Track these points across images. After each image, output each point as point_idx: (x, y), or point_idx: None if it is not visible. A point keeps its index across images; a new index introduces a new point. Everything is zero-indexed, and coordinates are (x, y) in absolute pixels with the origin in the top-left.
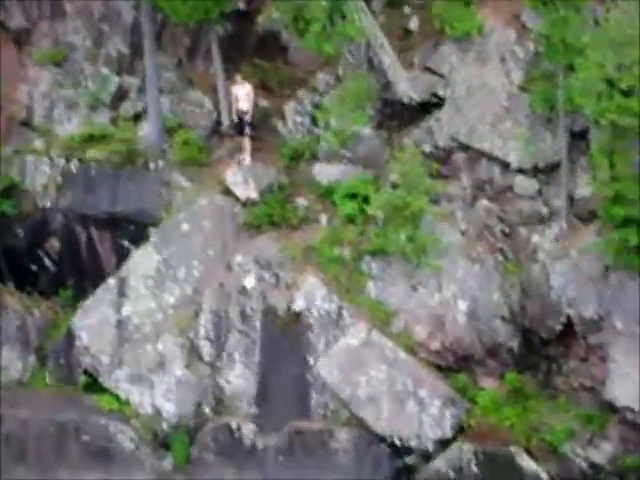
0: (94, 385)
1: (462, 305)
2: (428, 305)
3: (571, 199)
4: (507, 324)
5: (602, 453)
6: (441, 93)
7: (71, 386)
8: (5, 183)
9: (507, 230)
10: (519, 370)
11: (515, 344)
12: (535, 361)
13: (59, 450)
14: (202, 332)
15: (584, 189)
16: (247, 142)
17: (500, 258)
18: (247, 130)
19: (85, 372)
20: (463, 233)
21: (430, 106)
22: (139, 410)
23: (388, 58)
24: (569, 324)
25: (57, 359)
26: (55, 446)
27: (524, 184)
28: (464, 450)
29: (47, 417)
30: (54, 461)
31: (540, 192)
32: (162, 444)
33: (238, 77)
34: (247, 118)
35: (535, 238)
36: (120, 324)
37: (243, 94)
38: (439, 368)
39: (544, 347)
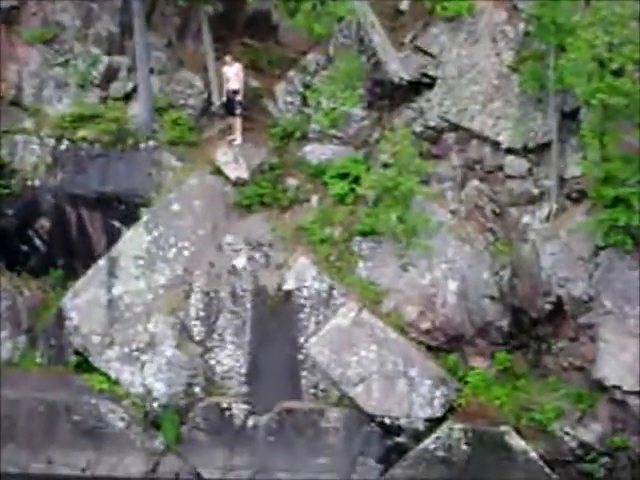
0: (85, 365)
1: (452, 285)
2: (418, 285)
3: (561, 179)
4: (497, 304)
5: (591, 432)
6: (432, 73)
7: (61, 366)
8: None
9: (497, 210)
10: (509, 350)
11: (505, 324)
12: (525, 341)
13: (50, 430)
14: (193, 312)
15: (574, 169)
16: (238, 122)
17: (490, 238)
18: (237, 110)
19: (76, 352)
20: (453, 213)
21: (421, 86)
22: (130, 390)
23: (379, 38)
24: (559, 304)
25: (47, 339)
26: (46, 426)
27: (514, 164)
28: (454, 429)
29: (37, 397)
30: (45, 440)
31: (530, 172)
32: (153, 424)
33: (228, 57)
34: (237, 98)
35: (525, 218)
36: (111, 304)
37: (233, 74)
38: (429, 348)
39: (534, 327)
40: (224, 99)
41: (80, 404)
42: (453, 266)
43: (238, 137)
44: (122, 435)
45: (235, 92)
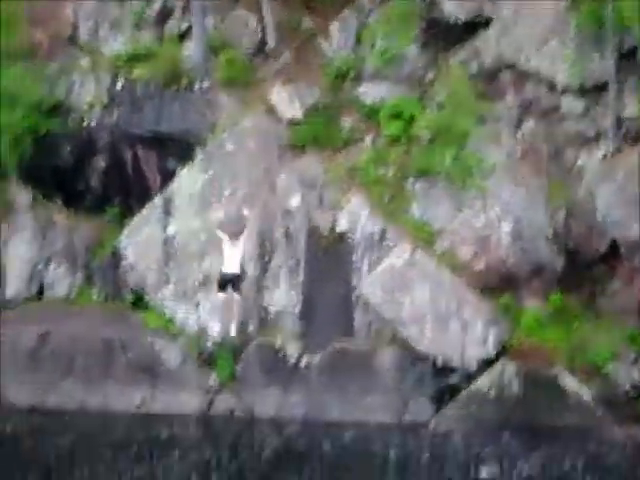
0: (140, 303)
1: (506, 226)
2: (472, 226)
3: (618, 120)
4: (551, 245)
5: None
6: (488, 13)
7: (118, 303)
8: (51, 101)
9: (553, 151)
10: (563, 291)
11: (559, 265)
12: (579, 282)
13: (106, 366)
14: (247, 251)
15: (632, 109)
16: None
17: (545, 179)
18: None
19: (131, 290)
20: (509, 154)
21: (476, 26)
22: (184, 328)
23: None
24: (614, 245)
25: (104, 277)
26: (102, 362)
27: (571, 104)
28: (507, 370)
29: (94, 334)
30: (101, 377)
31: (587, 112)
32: (207, 362)
33: None
34: None
35: (581, 159)
36: (166, 243)
37: None
38: (483, 289)
39: (588, 268)
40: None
41: (136, 341)
42: (507, 207)
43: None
44: (177, 373)
45: None
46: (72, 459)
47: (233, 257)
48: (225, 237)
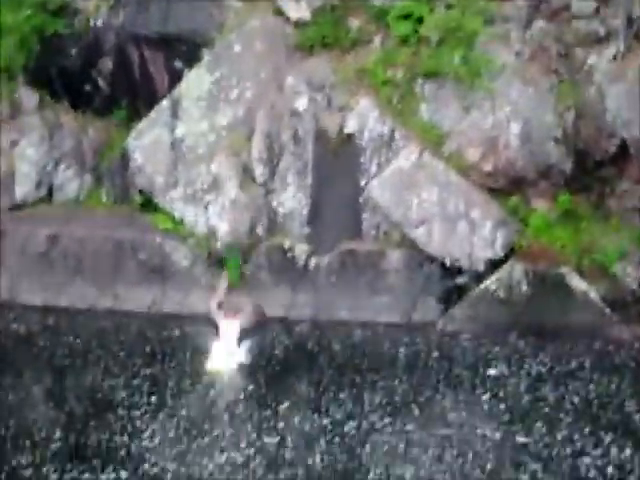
0: (149, 205)
1: (515, 127)
2: (481, 127)
3: (629, 19)
4: (560, 146)
5: None
6: None
7: (126, 205)
8: (57, 2)
9: (563, 51)
10: (572, 192)
11: (568, 166)
12: (588, 182)
13: (116, 267)
14: (255, 154)
15: None
16: None
17: (555, 79)
18: None
19: (140, 192)
20: (518, 54)
21: None
22: (194, 229)
23: None
24: (623, 145)
25: (112, 179)
26: (112, 263)
27: (581, 4)
28: (515, 270)
29: (104, 235)
30: (111, 278)
31: (597, 12)
32: (217, 263)
33: None
34: None
35: (591, 59)
36: (174, 145)
37: None
38: (491, 190)
39: (597, 169)
40: None
41: (145, 243)
42: (516, 108)
43: None
44: (187, 273)
45: None
46: (85, 358)
47: None
48: None
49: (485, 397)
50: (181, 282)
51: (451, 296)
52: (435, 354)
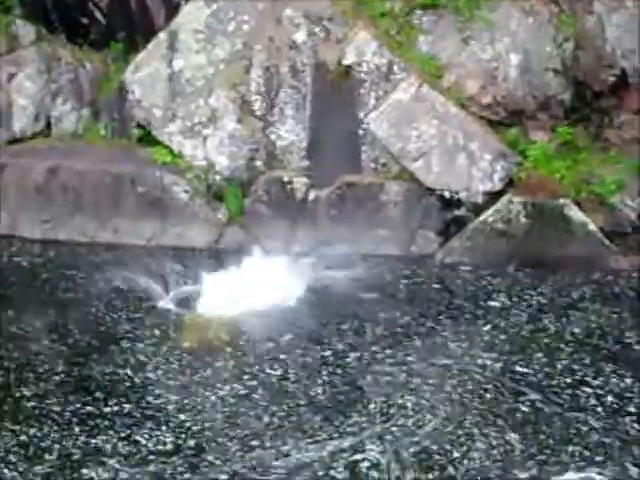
0: (147, 138)
1: (514, 58)
2: (480, 59)
3: None
4: (560, 77)
5: None
6: None
7: (125, 139)
8: None
9: None
10: (571, 123)
11: (567, 97)
12: (587, 114)
13: (115, 200)
14: (253, 87)
15: None
16: None
17: (554, 9)
18: None
19: (138, 125)
20: None
21: None
22: (192, 163)
23: None
24: (623, 76)
25: (110, 112)
26: (111, 197)
27: None
28: (514, 202)
29: (103, 168)
30: (111, 211)
31: None
32: (216, 196)
33: None
34: None
35: None
36: (172, 78)
37: None
38: (490, 122)
39: (597, 100)
40: None
41: (144, 176)
42: (515, 39)
43: None
44: (186, 207)
45: None
46: (88, 291)
47: None
48: None
49: (486, 328)
50: (180, 216)
51: (449, 228)
52: (435, 286)
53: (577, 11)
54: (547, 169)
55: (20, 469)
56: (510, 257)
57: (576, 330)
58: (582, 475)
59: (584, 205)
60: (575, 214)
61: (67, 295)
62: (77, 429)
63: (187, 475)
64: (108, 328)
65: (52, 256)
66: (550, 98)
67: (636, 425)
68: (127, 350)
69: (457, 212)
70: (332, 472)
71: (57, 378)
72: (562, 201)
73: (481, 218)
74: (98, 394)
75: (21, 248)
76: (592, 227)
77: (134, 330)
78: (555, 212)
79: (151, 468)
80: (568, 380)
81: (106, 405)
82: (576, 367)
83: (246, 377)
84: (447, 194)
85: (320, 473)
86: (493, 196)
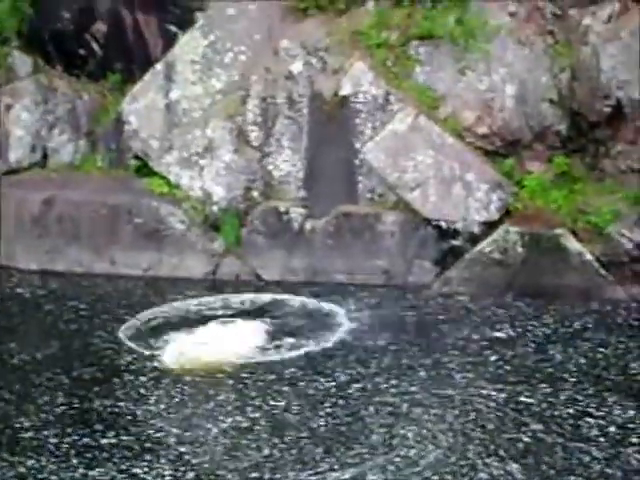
0: (144, 169)
1: (510, 89)
2: (476, 89)
3: None
4: (556, 107)
5: None
6: None
7: (122, 170)
8: None
9: (558, 12)
10: (567, 153)
11: (563, 127)
12: (583, 144)
13: (112, 231)
14: (250, 117)
15: None
16: None
17: (550, 41)
18: None
19: (135, 156)
20: (512, 15)
21: None
22: (189, 193)
23: None
24: (618, 106)
25: (107, 143)
26: (108, 227)
27: None
28: (510, 232)
29: (100, 199)
30: (107, 242)
31: None
32: (213, 226)
33: None
34: None
35: (586, 20)
36: (168, 109)
37: None
38: (486, 152)
39: (592, 130)
40: None
41: (141, 207)
42: (511, 70)
43: None
44: (183, 237)
45: None
46: (92, 320)
47: None
48: None
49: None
50: (177, 246)
51: (446, 258)
52: (432, 316)
53: (572, 42)
54: (543, 199)
55: None
56: (507, 287)
57: (581, 360)
58: None
59: (580, 235)
60: (571, 244)
61: (70, 327)
62: (75, 461)
63: None
64: (112, 360)
65: (53, 287)
66: (546, 128)
67: (638, 456)
68: (128, 383)
69: (454, 242)
70: None
71: (57, 410)
72: (558, 231)
73: (478, 248)
74: (97, 426)
75: (21, 279)
76: (588, 257)
77: (135, 362)
78: (551, 242)
79: None
80: (571, 410)
81: (104, 437)
82: (579, 397)
83: (249, 409)
84: (444, 224)
85: None
86: (490, 226)
